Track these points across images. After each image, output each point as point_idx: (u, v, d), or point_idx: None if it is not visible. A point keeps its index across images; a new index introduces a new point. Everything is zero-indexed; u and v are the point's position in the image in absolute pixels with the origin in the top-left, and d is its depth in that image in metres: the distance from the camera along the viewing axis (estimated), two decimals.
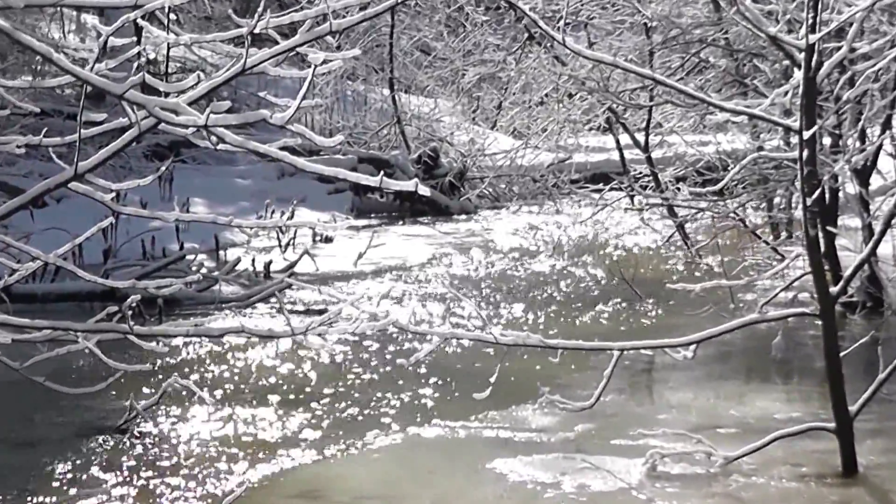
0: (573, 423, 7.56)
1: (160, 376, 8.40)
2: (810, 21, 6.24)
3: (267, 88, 20.18)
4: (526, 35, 18.16)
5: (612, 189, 14.54)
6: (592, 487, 6.50)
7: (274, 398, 8.37)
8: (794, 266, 7.80)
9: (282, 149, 4.98)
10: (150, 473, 6.77)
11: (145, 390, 8.20)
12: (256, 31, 4.62)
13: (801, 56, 6.38)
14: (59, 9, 18.54)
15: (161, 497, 6.48)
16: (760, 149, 12.17)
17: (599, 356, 8.44)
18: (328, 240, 16.13)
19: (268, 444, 7.32)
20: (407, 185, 4.86)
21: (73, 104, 18.97)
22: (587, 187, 15.31)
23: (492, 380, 6.48)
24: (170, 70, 20.63)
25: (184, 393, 7.94)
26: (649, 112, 14.71)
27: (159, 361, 9.11)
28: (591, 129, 18.78)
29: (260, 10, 4.58)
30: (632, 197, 15.04)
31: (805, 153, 6.40)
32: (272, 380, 8.90)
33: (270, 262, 13.06)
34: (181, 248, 13.49)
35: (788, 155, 7.89)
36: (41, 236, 11.00)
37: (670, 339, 6.86)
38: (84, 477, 6.71)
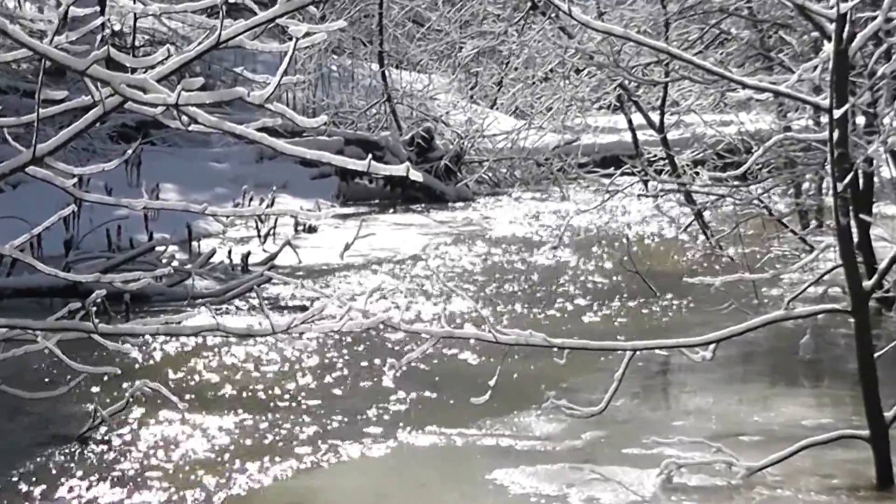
0: (581, 430, 7.58)
1: (127, 380, 8.39)
2: None
3: (244, 63, 20.18)
4: (529, 4, 18.17)
5: (623, 174, 14.55)
6: (602, 500, 6.51)
7: (252, 403, 8.38)
8: (823, 258, 7.83)
9: (260, 130, 4.99)
10: (114, 487, 6.77)
11: (111, 394, 8.21)
12: (232, 0, 4.62)
13: (831, 27, 6.39)
14: None
15: None
16: (787, 129, 12.20)
17: (610, 357, 8.46)
18: (312, 229, 16.14)
19: (245, 454, 7.32)
20: (398, 170, 4.87)
21: (31, 80, 18.95)
22: (596, 172, 15.34)
23: (491, 383, 6.49)
24: (137, 43, 20.60)
25: (153, 397, 7.93)
26: (664, 89, 14.72)
27: (126, 363, 9.10)
28: (600, 107, 18.83)
29: None
30: (645, 182, 15.06)
31: (836, 134, 6.41)
32: (250, 383, 8.91)
33: (248, 253, 13.07)
34: (150, 238, 13.48)
35: (818, 136, 7.89)
36: None
37: (687, 339, 6.87)
38: (42, 490, 6.70)
